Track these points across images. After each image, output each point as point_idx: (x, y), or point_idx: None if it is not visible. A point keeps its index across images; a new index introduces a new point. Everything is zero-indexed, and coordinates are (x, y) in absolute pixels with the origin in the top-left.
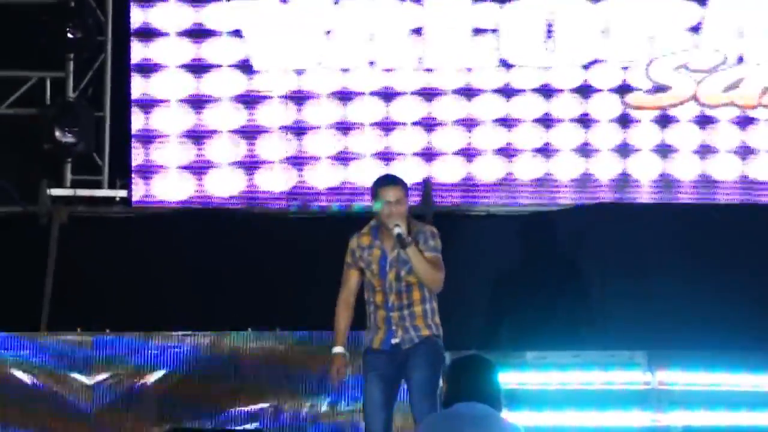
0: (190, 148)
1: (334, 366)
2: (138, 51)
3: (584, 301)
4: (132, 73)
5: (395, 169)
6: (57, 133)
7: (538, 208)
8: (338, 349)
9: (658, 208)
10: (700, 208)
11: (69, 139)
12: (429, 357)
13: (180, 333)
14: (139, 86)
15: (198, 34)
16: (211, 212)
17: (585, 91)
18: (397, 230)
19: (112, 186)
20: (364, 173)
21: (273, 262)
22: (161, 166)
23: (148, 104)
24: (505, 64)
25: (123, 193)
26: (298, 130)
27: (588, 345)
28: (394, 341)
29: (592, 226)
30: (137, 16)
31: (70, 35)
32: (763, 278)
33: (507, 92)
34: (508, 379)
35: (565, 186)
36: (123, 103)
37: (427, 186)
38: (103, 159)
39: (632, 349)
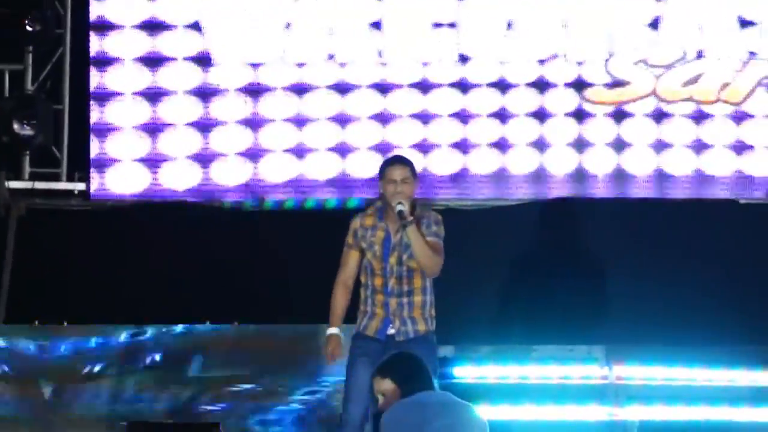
0: (147, 141)
1: (329, 346)
2: (96, 44)
3: (542, 296)
4: (90, 67)
5: (351, 162)
6: (15, 126)
7: (494, 202)
8: (333, 330)
9: (615, 203)
10: (657, 203)
11: (27, 131)
12: (427, 358)
13: (138, 326)
14: (97, 79)
15: (155, 26)
16: (171, 205)
17: (542, 85)
18: (398, 207)
19: (70, 179)
20: (320, 167)
21: (233, 255)
22: (119, 159)
23: (106, 97)
24: (463, 59)
25: (81, 186)
26: (255, 123)
27: (546, 339)
28: (390, 332)
29: (549, 221)
30: (96, 9)
31: (28, 28)
32: (719, 273)
33: (463, 86)
34: (465, 372)
35: (522, 180)
36: (82, 96)
37: None
38: (61, 152)
39: (590, 343)
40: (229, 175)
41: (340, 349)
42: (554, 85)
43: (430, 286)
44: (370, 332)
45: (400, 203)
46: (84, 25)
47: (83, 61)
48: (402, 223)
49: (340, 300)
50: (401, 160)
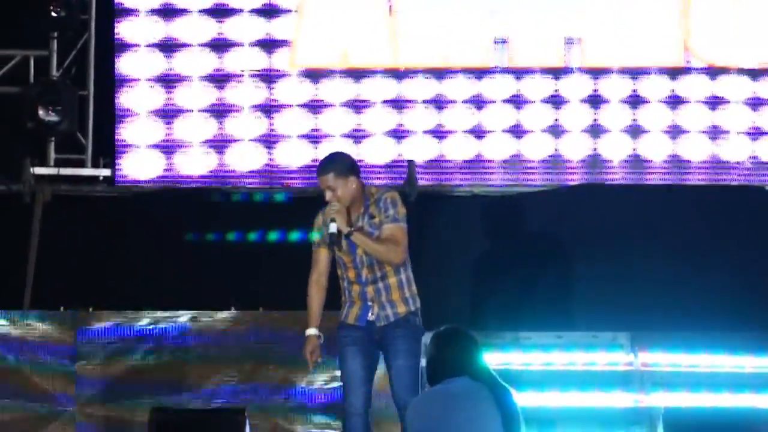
0: (172, 126)
1: (308, 347)
2: (121, 30)
3: (567, 282)
4: (116, 52)
5: (366, 148)
6: (40, 112)
7: (511, 189)
8: (311, 331)
9: (639, 189)
10: (681, 189)
11: (52, 117)
12: (408, 343)
13: (162, 312)
14: (122, 65)
15: (171, 12)
16: (195, 191)
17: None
18: (330, 228)
19: (95, 165)
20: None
21: (258, 241)
22: (144, 146)
23: (131, 83)
24: (476, 45)
25: (106, 171)
26: (270, 109)
27: (571, 326)
28: (370, 317)
29: (574, 207)
30: None
31: (53, 14)
32: (744, 259)
33: (478, 72)
34: (489, 359)
35: (537, 166)
36: (106, 81)
37: (410, 167)
38: (86, 138)
39: (615, 330)
40: (245, 160)
41: (319, 350)
42: (570, 71)
43: (404, 264)
44: (351, 320)
45: (333, 221)
46: (109, 11)
47: (108, 47)
48: (331, 243)
49: (314, 299)
50: (322, 169)
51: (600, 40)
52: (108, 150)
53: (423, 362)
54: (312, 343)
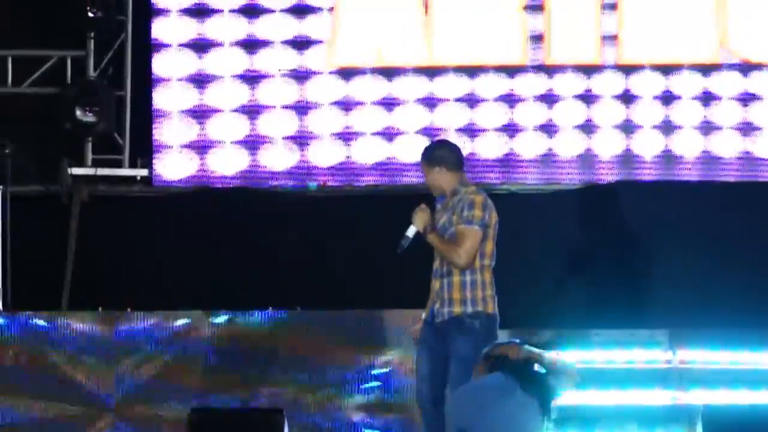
0: (205, 126)
1: (415, 325)
2: (155, 30)
3: (604, 279)
4: (153, 53)
5: (398, 146)
6: (78, 113)
7: (545, 186)
8: (424, 314)
9: (677, 186)
10: (717, 186)
11: (90, 118)
12: (461, 347)
13: (200, 312)
14: (157, 65)
15: (203, 11)
16: (231, 191)
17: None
18: (408, 231)
19: (133, 165)
20: (367, 151)
21: (293, 240)
22: (178, 145)
23: (166, 83)
24: (508, 42)
25: (144, 172)
26: (301, 108)
27: (609, 323)
28: (435, 312)
29: (610, 204)
30: None
31: (90, 14)
32: None
33: (510, 70)
34: None
35: (568, 163)
36: (143, 82)
37: None
38: (123, 138)
39: (653, 327)
40: (278, 159)
41: (418, 331)
42: (602, 68)
43: (474, 267)
44: (425, 314)
45: (412, 223)
46: (145, 12)
47: (145, 48)
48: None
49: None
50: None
51: (636, 38)
52: (145, 150)
53: None
54: (417, 323)
